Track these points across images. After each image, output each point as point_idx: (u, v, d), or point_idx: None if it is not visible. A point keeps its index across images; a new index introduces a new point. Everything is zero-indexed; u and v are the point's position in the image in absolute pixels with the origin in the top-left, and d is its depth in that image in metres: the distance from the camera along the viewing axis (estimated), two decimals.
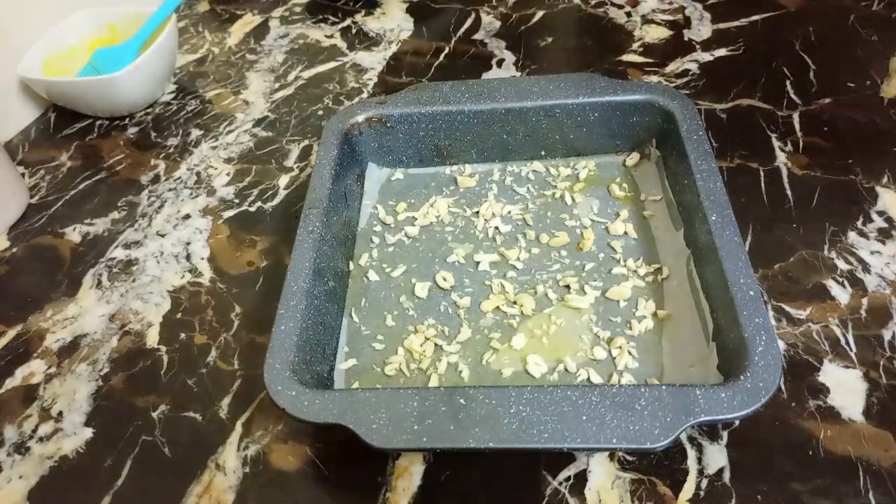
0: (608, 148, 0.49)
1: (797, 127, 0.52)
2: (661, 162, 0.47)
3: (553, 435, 0.30)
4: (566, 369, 0.38)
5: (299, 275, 0.38)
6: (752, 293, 0.34)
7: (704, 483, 0.34)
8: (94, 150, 0.59)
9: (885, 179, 0.47)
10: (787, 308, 0.40)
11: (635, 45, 0.63)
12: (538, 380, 0.38)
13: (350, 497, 0.35)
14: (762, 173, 0.49)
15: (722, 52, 0.60)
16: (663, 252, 0.43)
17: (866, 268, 0.42)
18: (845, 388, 0.37)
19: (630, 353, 0.38)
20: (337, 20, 0.72)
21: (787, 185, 0.48)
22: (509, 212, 0.47)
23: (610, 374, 0.37)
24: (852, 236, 0.44)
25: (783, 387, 0.37)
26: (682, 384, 0.31)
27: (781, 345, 0.39)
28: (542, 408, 0.31)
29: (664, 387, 0.31)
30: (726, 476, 0.34)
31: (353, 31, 0.70)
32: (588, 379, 0.37)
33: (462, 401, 0.31)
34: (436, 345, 0.40)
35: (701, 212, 0.39)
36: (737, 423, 0.35)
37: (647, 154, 0.49)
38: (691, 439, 0.35)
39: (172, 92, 0.65)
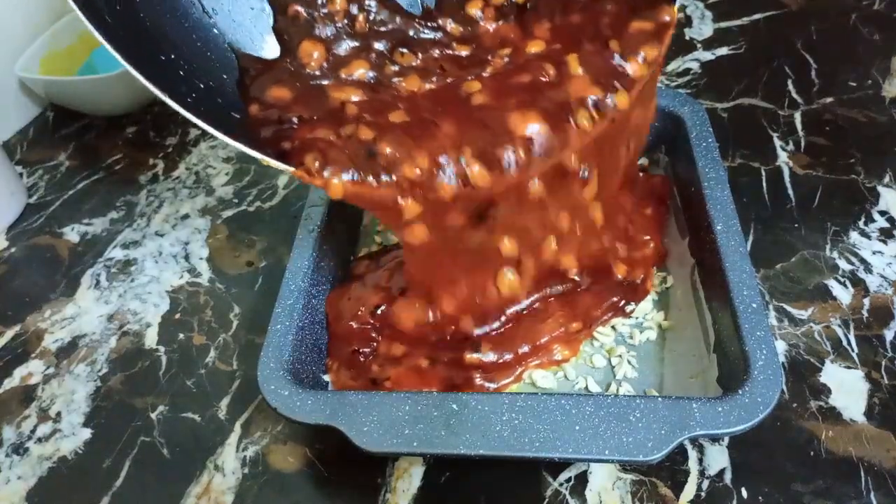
0: None
1: (799, 126, 0.52)
2: (671, 168, 0.46)
3: (545, 444, 0.30)
4: (565, 377, 0.38)
5: (298, 273, 0.38)
6: (754, 305, 0.33)
7: (706, 484, 0.34)
8: (93, 149, 0.59)
9: (886, 179, 0.47)
10: (788, 308, 0.40)
11: None
12: (535, 386, 0.37)
13: (350, 498, 0.35)
14: (763, 173, 0.48)
15: (723, 50, 0.60)
16: (669, 260, 0.42)
17: (868, 268, 0.42)
18: (847, 389, 0.36)
19: (630, 362, 0.38)
20: None
21: (788, 185, 0.47)
22: None
23: (608, 384, 0.37)
24: (854, 236, 0.44)
25: (784, 387, 0.36)
26: (678, 396, 0.31)
27: (783, 345, 0.38)
28: (535, 416, 0.30)
29: (660, 399, 0.31)
30: (727, 477, 0.34)
31: None
32: (586, 387, 0.37)
33: (455, 406, 0.31)
34: None
35: (706, 221, 0.38)
36: None
37: (655, 160, 0.48)
38: (692, 440, 0.35)
39: None
